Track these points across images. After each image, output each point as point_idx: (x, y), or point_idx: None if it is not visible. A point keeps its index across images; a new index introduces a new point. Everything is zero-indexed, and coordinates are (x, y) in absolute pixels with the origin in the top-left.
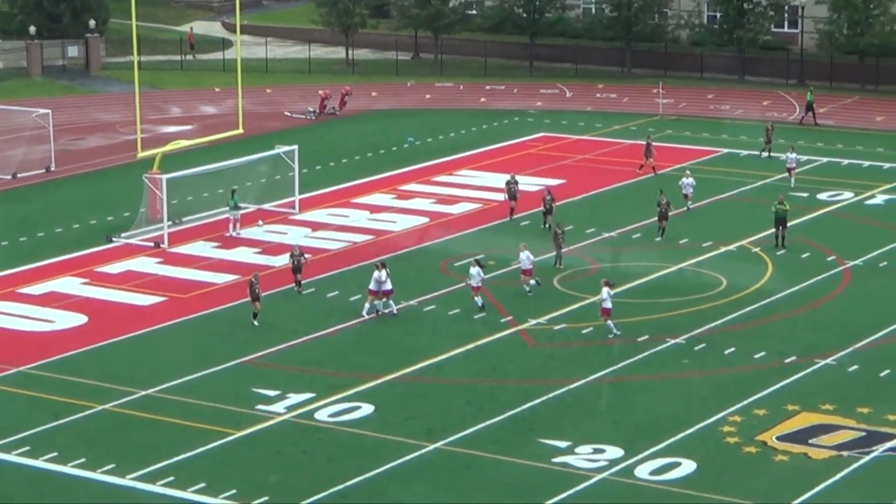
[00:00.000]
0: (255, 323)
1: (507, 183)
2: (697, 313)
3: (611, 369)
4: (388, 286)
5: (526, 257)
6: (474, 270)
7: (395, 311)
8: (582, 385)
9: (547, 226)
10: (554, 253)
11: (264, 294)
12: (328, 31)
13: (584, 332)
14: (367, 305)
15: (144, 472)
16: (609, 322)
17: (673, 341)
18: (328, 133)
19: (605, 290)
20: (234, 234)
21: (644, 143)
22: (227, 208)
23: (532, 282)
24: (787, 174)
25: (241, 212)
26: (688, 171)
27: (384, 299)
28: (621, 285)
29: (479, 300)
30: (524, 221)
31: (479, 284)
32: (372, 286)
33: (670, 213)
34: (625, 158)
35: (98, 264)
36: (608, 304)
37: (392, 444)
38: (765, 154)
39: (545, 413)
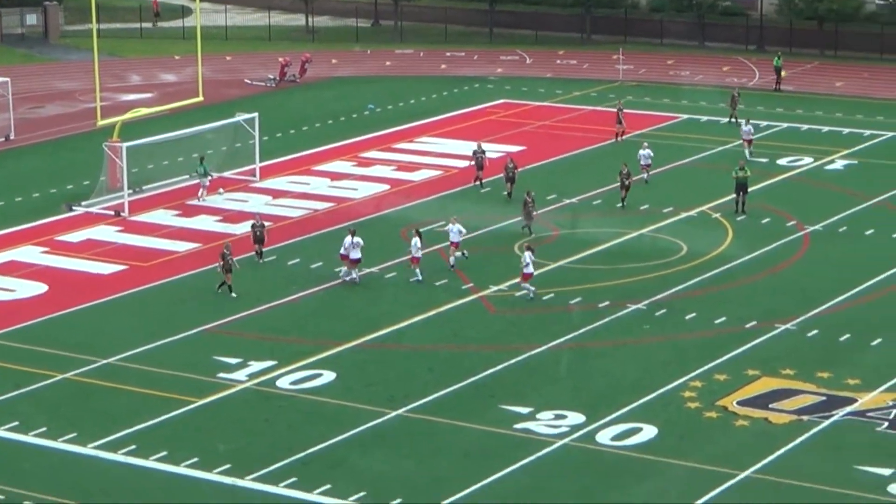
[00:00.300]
0: (233, 295)
1: (474, 152)
2: (658, 279)
3: (572, 335)
4: (355, 255)
5: (457, 230)
6: (414, 241)
7: (356, 279)
8: (543, 351)
9: (508, 193)
10: (520, 219)
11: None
12: None
13: (545, 298)
14: (343, 269)
15: (106, 441)
16: (526, 286)
17: (634, 307)
18: (288, 100)
19: (526, 254)
20: (200, 201)
21: (615, 110)
22: (197, 175)
23: (458, 254)
24: (744, 144)
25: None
26: (645, 143)
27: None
28: (582, 251)
29: (418, 274)
30: (485, 188)
31: (419, 255)
32: (342, 251)
33: (629, 182)
34: (585, 125)
35: (58, 233)
36: (530, 269)
37: (354, 411)
38: (733, 120)
39: (507, 379)
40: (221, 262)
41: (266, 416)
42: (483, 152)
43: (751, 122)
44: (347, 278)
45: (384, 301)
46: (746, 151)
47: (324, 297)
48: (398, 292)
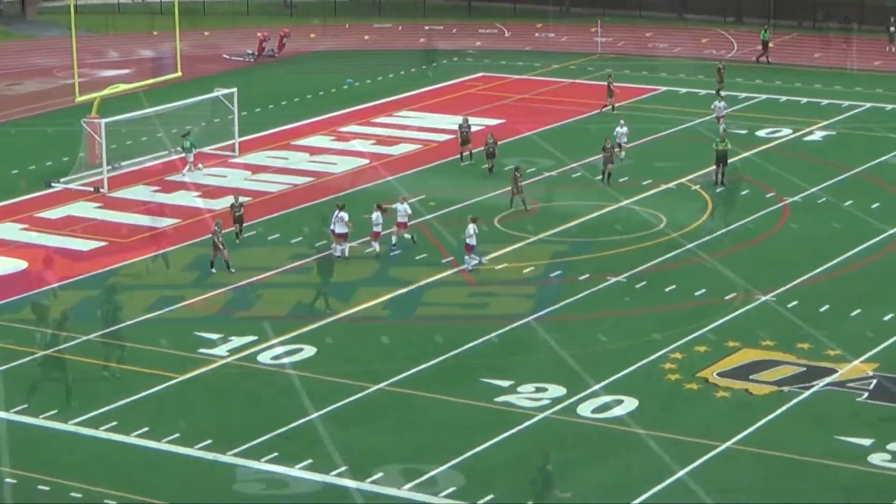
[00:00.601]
0: (213, 270)
1: (460, 126)
2: (638, 251)
3: (552, 308)
4: (339, 229)
5: (403, 210)
6: (375, 215)
7: (337, 254)
8: (523, 324)
9: (489, 168)
10: (499, 193)
11: (206, 238)
12: None
13: (526, 271)
14: (335, 246)
15: (87, 417)
16: (468, 258)
17: (614, 279)
18: (267, 75)
19: (470, 226)
20: (184, 176)
21: (605, 83)
22: (183, 150)
23: (406, 236)
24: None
25: (182, 155)
26: (622, 121)
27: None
28: (562, 224)
29: (376, 246)
30: (465, 162)
31: (380, 230)
32: (331, 226)
33: (613, 154)
34: (564, 98)
35: (37, 209)
36: (472, 241)
37: (334, 385)
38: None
39: (487, 353)
40: (213, 241)
41: (247, 392)
42: (469, 126)
43: (723, 98)
44: (333, 250)
45: (364, 275)
46: (722, 125)
47: (303, 272)
48: (378, 266)
